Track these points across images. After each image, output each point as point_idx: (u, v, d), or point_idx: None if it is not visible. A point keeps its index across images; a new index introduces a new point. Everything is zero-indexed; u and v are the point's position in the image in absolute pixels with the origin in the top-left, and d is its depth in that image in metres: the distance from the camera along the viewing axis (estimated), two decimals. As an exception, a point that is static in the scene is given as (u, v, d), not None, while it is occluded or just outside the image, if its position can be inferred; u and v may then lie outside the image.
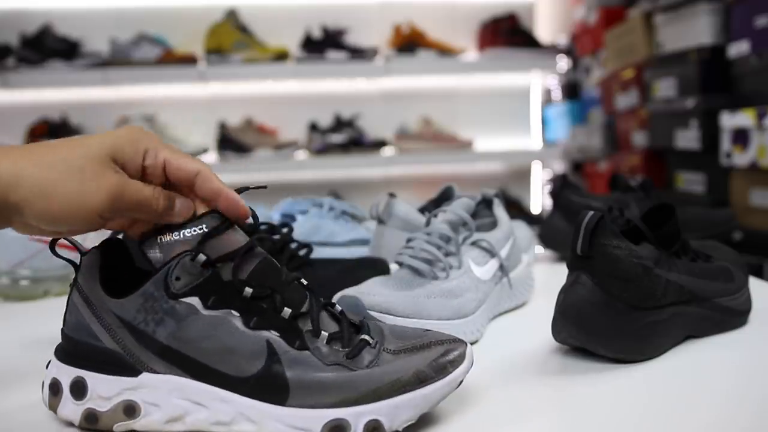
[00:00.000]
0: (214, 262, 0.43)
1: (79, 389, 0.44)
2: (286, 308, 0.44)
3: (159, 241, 0.44)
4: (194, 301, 0.43)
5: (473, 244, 0.66)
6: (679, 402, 0.47)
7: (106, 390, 0.44)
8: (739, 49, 1.83)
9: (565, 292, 0.55)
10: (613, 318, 0.53)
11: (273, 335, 0.43)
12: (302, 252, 0.70)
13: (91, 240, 0.54)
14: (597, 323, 0.53)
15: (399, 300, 0.57)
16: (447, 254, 0.63)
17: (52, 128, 2.12)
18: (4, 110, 2.26)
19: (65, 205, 0.40)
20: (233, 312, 0.43)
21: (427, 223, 0.66)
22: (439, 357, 0.44)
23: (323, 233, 0.85)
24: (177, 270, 0.43)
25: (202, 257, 0.43)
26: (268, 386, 0.42)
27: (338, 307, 0.47)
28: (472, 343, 0.61)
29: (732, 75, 1.92)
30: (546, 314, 0.57)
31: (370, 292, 0.58)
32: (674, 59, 2.14)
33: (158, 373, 0.43)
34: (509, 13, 2.35)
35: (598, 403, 0.47)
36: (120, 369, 0.44)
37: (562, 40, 3.11)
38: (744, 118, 1.73)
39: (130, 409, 0.43)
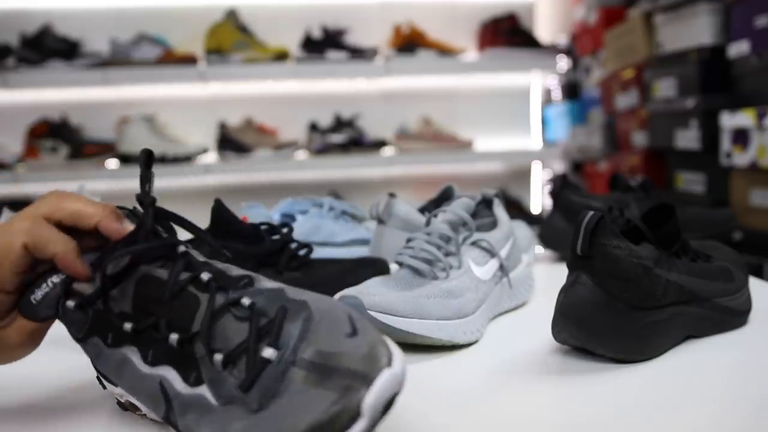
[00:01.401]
0: (83, 302, 0.40)
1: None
2: (172, 333, 0.37)
3: (33, 301, 0.42)
4: (96, 340, 0.41)
5: (473, 244, 0.66)
6: (679, 402, 0.47)
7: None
8: (739, 49, 1.83)
9: (565, 292, 0.55)
10: (613, 318, 0.53)
11: (168, 372, 0.38)
12: (302, 252, 0.70)
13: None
14: (597, 323, 0.53)
15: (399, 300, 0.57)
16: (447, 254, 0.63)
17: (52, 128, 2.12)
18: (4, 110, 2.26)
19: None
20: (132, 347, 0.39)
21: (427, 223, 0.66)
22: (346, 386, 0.33)
23: (323, 233, 0.85)
24: (66, 317, 0.42)
25: (70, 304, 0.41)
26: None
27: (246, 301, 0.38)
28: (471, 343, 0.61)
29: (732, 75, 1.92)
30: (546, 314, 0.57)
31: (370, 292, 0.58)
32: (674, 59, 2.14)
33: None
34: (509, 13, 2.35)
35: (598, 403, 0.47)
36: None
37: (562, 40, 3.11)
38: (744, 118, 1.73)
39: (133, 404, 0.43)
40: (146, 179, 0.42)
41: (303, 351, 0.35)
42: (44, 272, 0.43)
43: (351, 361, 0.34)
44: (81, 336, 0.41)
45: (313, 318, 0.36)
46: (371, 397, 0.33)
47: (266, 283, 0.40)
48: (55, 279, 0.42)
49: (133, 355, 0.39)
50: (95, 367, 0.43)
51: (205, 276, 0.39)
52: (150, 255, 0.41)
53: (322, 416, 0.32)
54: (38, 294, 0.42)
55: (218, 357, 0.36)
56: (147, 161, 0.42)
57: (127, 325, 0.39)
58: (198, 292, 0.39)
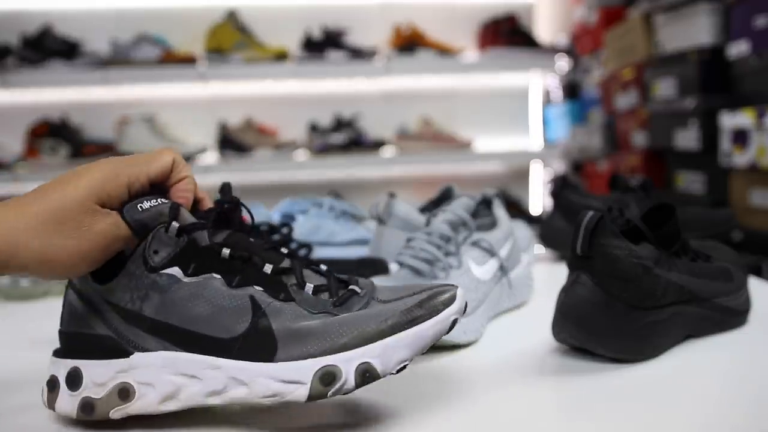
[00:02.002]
0: (188, 229, 0.44)
1: (74, 379, 0.44)
2: (267, 264, 0.44)
3: (139, 209, 0.44)
4: (174, 271, 0.43)
5: (473, 244, 0.66)
6: (679, 402, 0.47)
7: (100, 375, 0.43)
8: (738, 49, 1.83)
9: (565, 292, 0.55)
10: (613, 318, 0.53)
11: (256, 290, 0.43)
12: (302, 252, 0.70)
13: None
14: (597, 323, 0.53)
15: (399, 300, 0.57)
16: (447, 254, 0.63)
17: (52, 128, 2.12)
18: (4, 110, 2.26)
19: (65, 263, 0.42)
20: (214, 275, 0.43)
21: (427, 223, 0.66)
22: (428, 297, 0.43)
23: (323, 233, 0.85)
24: (153, 244, 0.43)
25: (175, 225, 0.43)
26: (256, 344, 0.41)
27: (323, 267, 0.47)
28: (471, 343, 0.61)
29: (732, 75, 1.92)
30: (546, 314, 0.57)
31: (370, 292, 0.58)
32: (674, 59, 2.14)
33: (149, 350, 0.43)
34: (509, 14, 2.35)
35: (598, 403, 0.47)
36: (112, 353, 0.44)
37: (562, 40, 3.11)
38: (744, 118, 1.73)
39: (124, 393, 0.43)
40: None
41: (379, 294, 0.44)
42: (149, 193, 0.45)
43: (432, 284, 0.45)
44: (160, 263, 0.43)
45: (377, 284, 0.46)
46: (460, 291, 0.45)
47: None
48: (164, 200, 0.45)
49: (216, 281, 0.43)
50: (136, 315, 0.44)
51: (285, 250, 0.47)
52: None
53: (423, 294, 0.43)
54: (146, 204, 0.44)
55: (310, 286, 0.43)
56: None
57: (226, 251, 0.44)
58: (280, 253, 0.46)
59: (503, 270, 0.68)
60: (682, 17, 2.08)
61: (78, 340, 0.45)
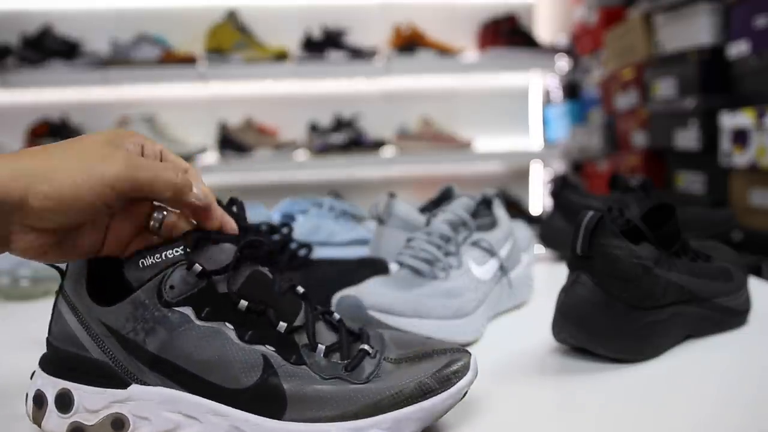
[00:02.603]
0: (210, 273, 0.42)
1: (64, 402, 0.42)
2: (281, 322, 0.43)
3: (141, 265, 0.42)
4: (187, 311, 0.42)
5: (473, 244, 0.66)
6: (679, 402, 0.47)
7: (93, 403, 0.42)
8: (738, 49, 1.83)
9: (565, 292, 0.55)
10: (613, 318, 0.53)
11: (269, 350, 0.42)
12: (302, 252, 0.70)
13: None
14: (597, 323, 0.53)
15: (399, 300, 0.58)
16: (447, 254, 0.63)
17: (52, 128, 2.12)
18: (4, 110, 2.26)
19: (70, 181, 0.38)
20: (227, 324, 0.42)
21: (427, 223, 0.66)
22: (442, 368, 0.42)
23: (323, 233, 0.85)
24: (171, 279, 0.42)
25: (198, 267, 0.42)
26: (264, 398, 0.41)
27: (336, 316, 0.46)
28: (471, 343, 0.61)
29: (732, 75, 1.92)
30: (546, 314, 0.57)
31: (370, 291, 0.58)
32: (674, 59, 2.14)
33: (148, 384, 0.42)
34: (509, 14, 2.35)
35: (598, 403, 0.47)
36: (108, 380, 0.42)
37: (562, 40, 3.11)
38: (744, 118, 1.73)
39: (119, 423, 0.42)
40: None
41: (389, 352, 0.44)
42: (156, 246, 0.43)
43: (444, 345, 0.45)
44: (174, 300, 0.42)
45: (385, 336, 0.46)
46: (474, 359, 0.44)
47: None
48: (171, 251, 0.43)
49: (229, 332, 0.42)
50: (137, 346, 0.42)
51: (300, 289, 0.46)
52: (270, 255, 0.47)
53: (436, 362, 0.43)
54: (148, 260, 0.42)
55: (321, 347, 0.43)
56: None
57: (243, 303, 0.43)
58: (297, 298, 0.45)
59: (503, 270, 0.68)
60: (682, 17, 2.08)
61: (69, 359, 0.43)
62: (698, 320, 0.59)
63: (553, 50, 2.37)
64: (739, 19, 1.83)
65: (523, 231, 0.83)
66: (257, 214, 0.82)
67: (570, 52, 3.10)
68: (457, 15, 2.47)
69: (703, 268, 0.60)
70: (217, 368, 0.41)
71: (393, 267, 0.71)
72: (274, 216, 0.87)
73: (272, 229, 0.70)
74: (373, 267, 0.70)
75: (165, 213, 0.44)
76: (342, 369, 0.42)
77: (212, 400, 0.41)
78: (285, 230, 0.70)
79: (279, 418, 0.40)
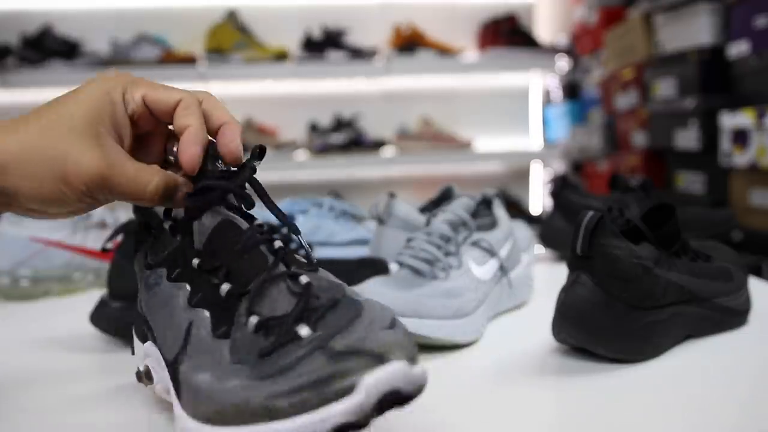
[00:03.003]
0: (177, 228, 0.41)
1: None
2: (224, 284, 0.38)
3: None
4: (162, 272, 0.42)
5: (473, 244, 0.66)
6: (679, 402, 0.47)
7: (142, 356, 0.45)
8: (739, 49, 1.83)
9: (565, 292, 0.55)
10: (613, 318, 0.53)
11: (202, 316, 0.38)
12: (302, 252, 0.70)
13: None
14: (597, 323, 0.53)
15: (399, 300, 0.58)
16: (447, 254, 0.63)
17: (52, 128, 2.12)
18: (4, 110, 2.25)
19: (52, 187, 0.39)
20: (187, 286, 0.40)
21: (427, 223, 0.66)
22: (315, 382, 0.31)
23: (323, 233, 0.85)
24: (154, 241, 0.43)
25: (167, 223, 0.42)
26: (174, 379, 0.38)
27: (304, 279, 0.37)
28: (471, 343, 0.61)
29: (732, 75, 1.92)
30: (546, 314, 0.57)
31: (370, 291, 0.58)
32: (674, 59, 2.14)
33: (149, 342, 0.44)
34: (509, 14, 2.35)
35: (598, 403, 0.47)
36: (143, 337, 0.45)
37: (562, 40, 3.11)
38: (744, 118, 1.73)
39: (149, 375, 0.44)
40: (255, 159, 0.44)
41: (335, 341, 0.33)
42: None
43: (372, 343, 0.33)
44: (154, 263, 0.42)
45: (359, 319, 0.34)
46: (372, 377, 0.31)
47: (330, 276, 0.40)
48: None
49: (182, 294, 0.39)
50: (139, 314, 0.44)
51: (278, 243, 0.40)
52: (245, 201, 0.42)
53: (310, 377, 0.31)
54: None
55: (253, 320, 0.35)
56: (261, 155, 0.45)
57: (195, 261, 0.39)
58: (268, 254, 0.39)
59: (503, 270, 0.68)
60: (682, 17, 2.08)
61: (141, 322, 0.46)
62: (698, 320, 0.59)
63: (553, 50, 2.37)
64: (739, 19, 1.83)
65: (523, 231, 0.83)
66: (257, 214, 0.82)
67: (570, 52, 3.10)
68: (457, 15, 2.47)
69: (703, 268, 0.60)
70: (163, 333, 0.40)
71: (393, 267, 0.71)
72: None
73: (272, 229, 0.70)
74: (373, 267, 0.70)
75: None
76: (256, 354, 0.34)
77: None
78: (285, 230, 0.70)
79: (179, 401, 0.37)
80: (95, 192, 0.40)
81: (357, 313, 0.34)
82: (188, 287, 0.39)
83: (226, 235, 0.40)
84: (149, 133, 0.44)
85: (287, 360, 0.32)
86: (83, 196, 0.40)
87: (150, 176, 0.41)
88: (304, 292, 0.36)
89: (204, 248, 0.40)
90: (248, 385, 0.32)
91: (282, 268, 0.38)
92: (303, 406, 0.31)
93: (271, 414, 0.31)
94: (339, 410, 0.31)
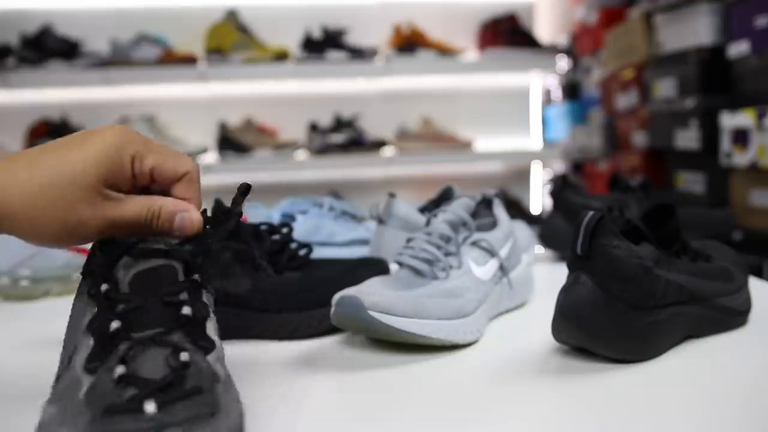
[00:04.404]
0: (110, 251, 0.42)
1: None
2: (115, 321, 0.38)
3: None
4: (88, 282, 0.42)
5: (473, 244, 0.66)
6: (679, 402, 0.47)
7: None
8: (739, 49, 1.83)
9: (565, 292, 0.55)
10: (613, 318, 0.53)
11: (87, 344, 0.38)
12: (302, 252, 0.70)
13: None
14: (597, 323, 0.53)
15: (399, 300, 0.57)
16: (447, 254, 0.63)
17: (52, 128, 2.12)
18: (4, 110, 2.26)
19: (55, 232, 0.40)
20: (95, 308, 0.40)
21: (427, 223, 0.66)
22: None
23: (323, 233, 0.85)
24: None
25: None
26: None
27: (183, 357, 0.37)
28: (471, 343, 0.61)
29: (732, 75, 1.92)
30: (546, 314, 0.57)
31: (370, 291, 0.58)
32: (674, 59, 2.14)
33: None
34: (509, 13, 2.35)
35: (598, 403, 0.47)
36: None
37: (562, 40, 3.11)
38: (744, 118, 1.73)
39: None
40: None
41: (179, 411, 0.33)
42: None
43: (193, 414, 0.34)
44: (86, 270, 0.43)
45: (206, 421, 0.34)
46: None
47: (219, 360, 0.40)
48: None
49: (89, 313, 0.40)
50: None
51: (186, 310, 0.40)
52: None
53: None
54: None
55: (120, 370, 0.35)
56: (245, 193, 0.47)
57: (104, 286, 0.40)
58: (172, 314, 0.40)
59: (503, 270, 0.68)
60: (682, 17, 2.08)
61: None
62: (698, 320, 0.59)
63: (553, 50, 2.37)
64: (739, 19, 1.83)
65: (523, 231, 0.83)
66: (257, 214, 0.82)
67: (570, 52, 3.10)
68: (457, 15, 2.47)
69: (704, 268, 0.60)
70: (66, 346, 0.41)
71: (393, 267, 0.71)
72: (274, 216, 0.87)
73: (272, 229, 0.70)
74: (374, 267, 0.70)
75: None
76: (103, 406, 0.33)
77: None
78: (285, 230, 0.70)
79: None
80: (101, 235, 0.42)
81: (210, 412, 0.34)
82: (95, 309, 0.39)
83: (161, 276, 0.40)
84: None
85: (121, 427, 0.32)
86: (85, 242, 0.42)
87: (155, 206, 0.43)
88: (177, 368, 0.36)
89: (132, 279, 0.40)
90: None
91: (175, 336, 0.38)
92: None
93: None
94: None
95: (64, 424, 0.33)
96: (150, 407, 0.33)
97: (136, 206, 0.42)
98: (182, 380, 0.35)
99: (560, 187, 0.98)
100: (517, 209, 2.24)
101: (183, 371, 0.36)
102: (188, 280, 0.42)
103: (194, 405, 0.34)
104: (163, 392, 0.34)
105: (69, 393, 0.36)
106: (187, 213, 0.43)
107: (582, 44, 2.97)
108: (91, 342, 0.38)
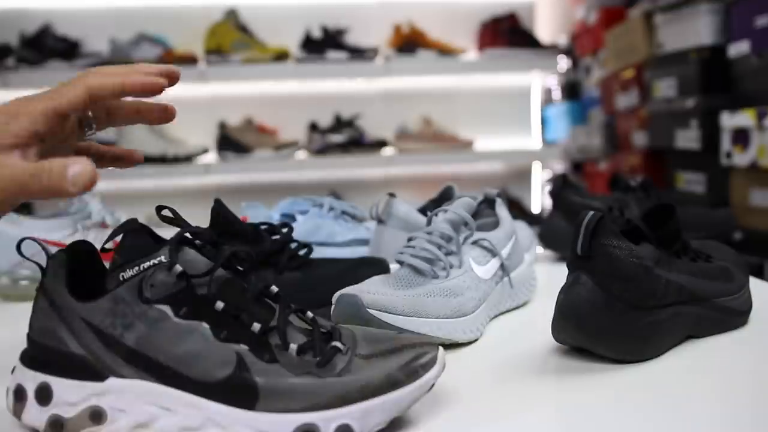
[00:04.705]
0: (190, 276, 0.43)
1: (44, 395, 0.44)
2: (255, 323, 0.44)
3: (121, 278, 0.44)
4: (166, 308, 0.43)
5: (474, 243, 0.66)
6: (679, 402, 0.47)
7: (72, 395, 0.43)
8: (739, 49, 1.83)
9: (565, 292, 0.55)
10: (613, 318, 0.53)
11: (242, 348, 0.43)
12: (302, 252, 0.70)
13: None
14: (597, 323, 0.53)
15: (399, 298, 0.58)
16: (448, 253, 0.63)
17: (52, 128, 2.12)
18: (4, 110, 2.25)
19: None
20: (204, 324, 0.43)
21: (428, 223, 0.66)
22: (410, 361, 0.44)
23: (323, 233, 0.85)
24: (152, 278, 0.43)
25: (178, 268, 0.43)
26: (237, 391, 0.42)
27: (309, 314, 0.47)
28: (471, 342, 0.61)
29: (732, 75, 1.92)
30: (546, 314, 0.57)
31: (370, 290, 0.58)
32: (674, 59, 2.14)
33: (125, 377, 0.43)
34: (509, 13, 2.35)
35: (597, 403, 0.47)
36: (86, 374, 0.43)
37: (562, 40, 3.10)
38: (744, 118, 1.73)
39: (96, 415, 0.43)
40: None
41: (360, 349, 0.45)
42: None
43: (413, 340, 0.46)
44: (154, 299, 0.43)
45: (357, 334, 0.47)
46: (442, 353, 0.46)
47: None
48: (154, 262, 0.44)
49: (204, 330, 0.43)
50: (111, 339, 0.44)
51: (274, 289, 0.47)
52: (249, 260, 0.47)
53: (404, 356, 0.44)
54: (128, 273, 0.44)
55: (293, 346, 0.43)
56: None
57: (220, 304, 0.43)
58: (271, 300, 0.46)
59: (504, 269, 0.68)
60: (682, 17, 2.08)
61: (49, 354, 0.44)
62: (699, 320, 0.59)
63: (553, 50, 2.37)
64: (739, 19, 1.83)
65: (523, 231, 0.83)
66: (257, 214, 0.82)
67: (570, 52, 3.10)
68: (457, 15, 2.47)
69: (704, 268, 0.60)
70: (192, 362, 0.42)
71: (393, 267, 0.71)
72: (274, 216, 0.87)
73: (272, 229, 0.70)
74: (374, 266, 0.70)
75: (94, 126, 0.53)
76: (314, 366, 0.43)
77: (187, 392, 0.42)
78: (285, 230, 0.70)
79: (251, 409, 0.41)
80: (14, 200, 0.44)
81: (352, 333, 0.47)
82: (206, 325, 0.43)
83: (235, 285, 0.45)
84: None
85: (342, 364, 0.43)
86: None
87: (46, 164, 0.43)
88: (312, 324, 0.46)
89: (216, 294, 0.44)
90: (342, 377, 0.43)
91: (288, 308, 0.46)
92: (413, 376, 0.43)
93: (393, 386, 0.42)
94: (435, 373, 0.44)
95: (320, 379, 0.42)
96: (339, 344, 0.45)
97: (27, 165, 0.44)
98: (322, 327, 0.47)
99: (560, 187, 0.98)
100: (518, 209, 2.24)
101: (317, 323, 0.47)
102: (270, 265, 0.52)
103: (344, 335, 0.46)
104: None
105: (287, 373, 0.42)
106: (79, 165, 0.43)
107: (582, 44, 2.97)
108: (243, 346, 0.43)
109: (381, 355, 0.44)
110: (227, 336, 0.43)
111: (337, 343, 0.44)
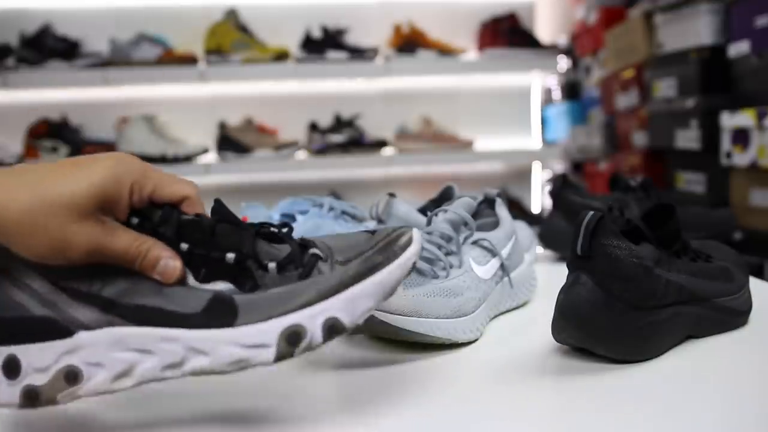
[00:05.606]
0: (149, 226, 0.43)
1: (11, 367, 0.41)
2: (228, 254, 0.43)
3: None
4: None
5: (474, 243, 0.66)
6: (679, 402, 0.47)
7: (40, 360, 0.40)
8: (739, 49, 1.83)
9: (565, 292, 0.55)
10: (613, 318, 0.53)
11: (223, 284, 0.43)
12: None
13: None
14: (597, 323, 0.53)
15: (398, 298, 0.57)
16: (448, 253, 0.63)
17: (52, 128, 2.12)
18: (4, 110, 2.26)
19: (45, 251, 0.40)
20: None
21: (429, 222, 0.66)
22: (387, 244, 0.43)
23: (323, 233, 0.85)
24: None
25: (134, 220, 0.43)
26: (216, 313, 0.40)
27: (283, 230, 0.47)
28: (471, 342, 0.61)
29: (732, 75, 1.92)
30: (546, 314, 0.57)
31: (370, 291, 0.58)
32: (674, 59, 2.14)
33: (94, 329, 0.41)
34: (509, 13, 2.35)
35: (598, 403, 0.47)
36: (53, 333, 0.41)
37: (562, 40, 3.10)
38: (744, 118, 1.73)
39: (72, 375, 0.40)
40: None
41: (338, 256, 0.44)
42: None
43: (386, 230, 0.46)
44: None
45: (329, 243, 0.46)
46: (416, 232, 0.46)
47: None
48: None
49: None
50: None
51: (236, 220, 0.45)
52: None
53: (380, 243, 0.43)
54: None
55: (272, 265, 0.43)
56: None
57: (184, 246, 0.43)
58: (234, 228, 0.44)
59: (504, 269, 0.68)
60: (682, 17, 2.08)
61: (9, 325, 0.41)
62: (699, 320, 0.59)
63: (553, 50, 2.37)
64: (739, 19, 1.83)
65: (523, 231, 0.83)
66: (257, 214, 0.82)
67: (570, 52, 3.10)
68: (457, 15, 2.47)
69: (704, 268, 0.60)
70: (170, 298, 0.41)
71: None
72: (274, 216, 0.87)
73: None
74: (373, 267, 0.70)
75: None
76: (296, 278, 0.42)
77: (163, 327, 0.41)
78: (285, 230, 0.70)
79: (232, 326, 0.40)
80: (85, 261, 0.42)
81: (326, 244, 0.46)
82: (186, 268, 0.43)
83: (194, 226, 0.44)
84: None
85: (324, 271, 0.43)
86: (75, 262, 0.42)
87: (143, 247, 0.43)
88: (286, 237, 0.45)
89: (180, 239, 0.44)
90: (317, 277, 0.42)
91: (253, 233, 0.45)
92: (391, 256, 0.43)
93: (373, 269, 0.42)
94: (413, 251, 0.44)
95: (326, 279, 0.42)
96: (317, 251, 0.45)
97: (126, 241, 0.42)
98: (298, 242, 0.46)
99: (560, 187, 0.98)
100: (518, 209, 2.24)
101: (291, 236, 0.47)
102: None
103: (324, 245, 0.46)
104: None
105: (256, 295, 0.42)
106: (171, 260, 0.43)
107: (582, 44, 2.97)
108: (223, 284, 0.44)
109: (359, 256, 0.43)
110: (205, 275, 0.44)
111: (315, 250, 0.44)
